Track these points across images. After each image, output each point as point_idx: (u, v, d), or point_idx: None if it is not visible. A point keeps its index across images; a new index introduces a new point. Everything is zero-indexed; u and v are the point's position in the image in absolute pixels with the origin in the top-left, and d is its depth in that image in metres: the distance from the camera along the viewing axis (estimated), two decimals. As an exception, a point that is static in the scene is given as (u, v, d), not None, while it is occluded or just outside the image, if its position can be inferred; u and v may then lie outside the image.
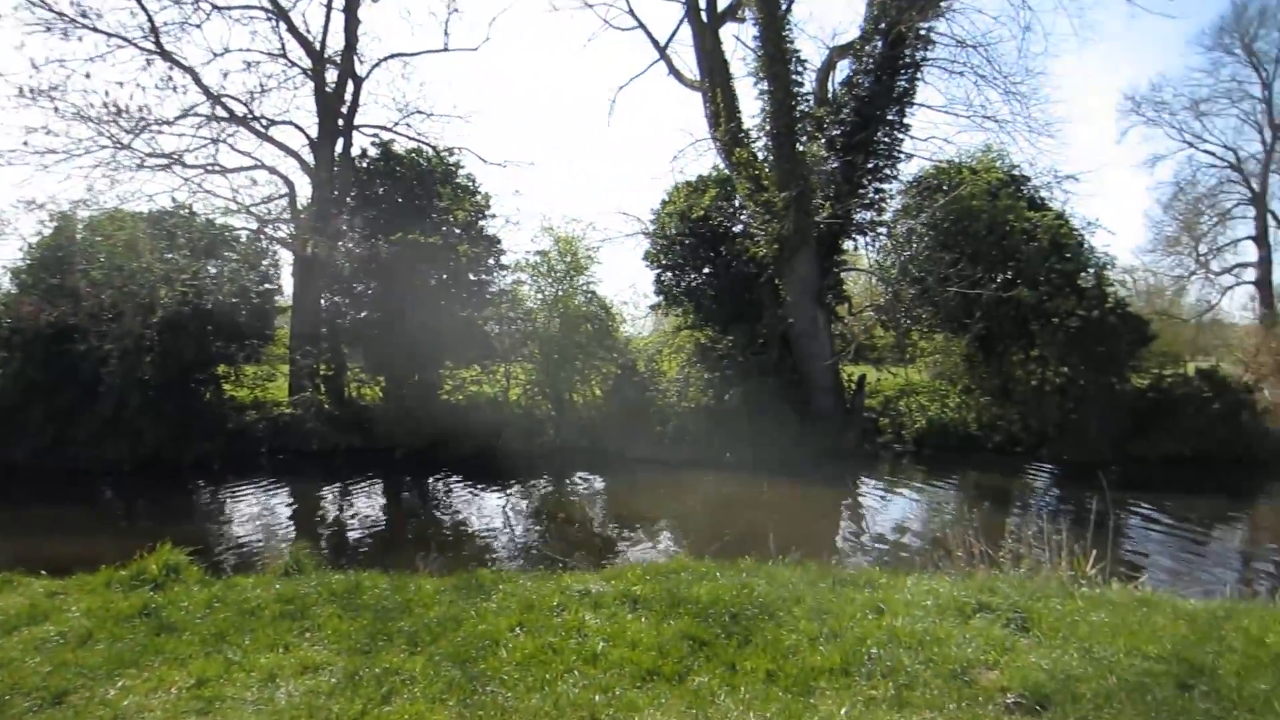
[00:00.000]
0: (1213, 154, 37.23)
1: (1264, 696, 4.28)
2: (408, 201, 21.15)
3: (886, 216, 22.08)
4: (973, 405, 20.89)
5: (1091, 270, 21.54)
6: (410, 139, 22.97)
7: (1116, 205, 49.37)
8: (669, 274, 23.48)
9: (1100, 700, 4.22)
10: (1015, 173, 22.30)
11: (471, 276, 20.79)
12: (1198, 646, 4.90)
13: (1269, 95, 35.83)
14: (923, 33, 20.52)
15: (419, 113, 23.29)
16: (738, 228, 22.76)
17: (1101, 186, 50.98)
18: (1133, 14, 42.88)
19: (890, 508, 14.84)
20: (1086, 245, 21.64)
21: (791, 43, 20.31)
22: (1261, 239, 36.09)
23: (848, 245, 22.75)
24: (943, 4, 20.40)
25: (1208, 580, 9.85)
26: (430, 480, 16.31)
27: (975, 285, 19.58)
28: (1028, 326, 20.44)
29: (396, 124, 23.17)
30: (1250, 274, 36.48)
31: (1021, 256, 20.55)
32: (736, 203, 22.45)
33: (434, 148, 22.73)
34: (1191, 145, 37.50)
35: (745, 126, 21.46)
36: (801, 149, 20.39)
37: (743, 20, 21.95)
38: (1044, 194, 22.30)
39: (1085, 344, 19.68)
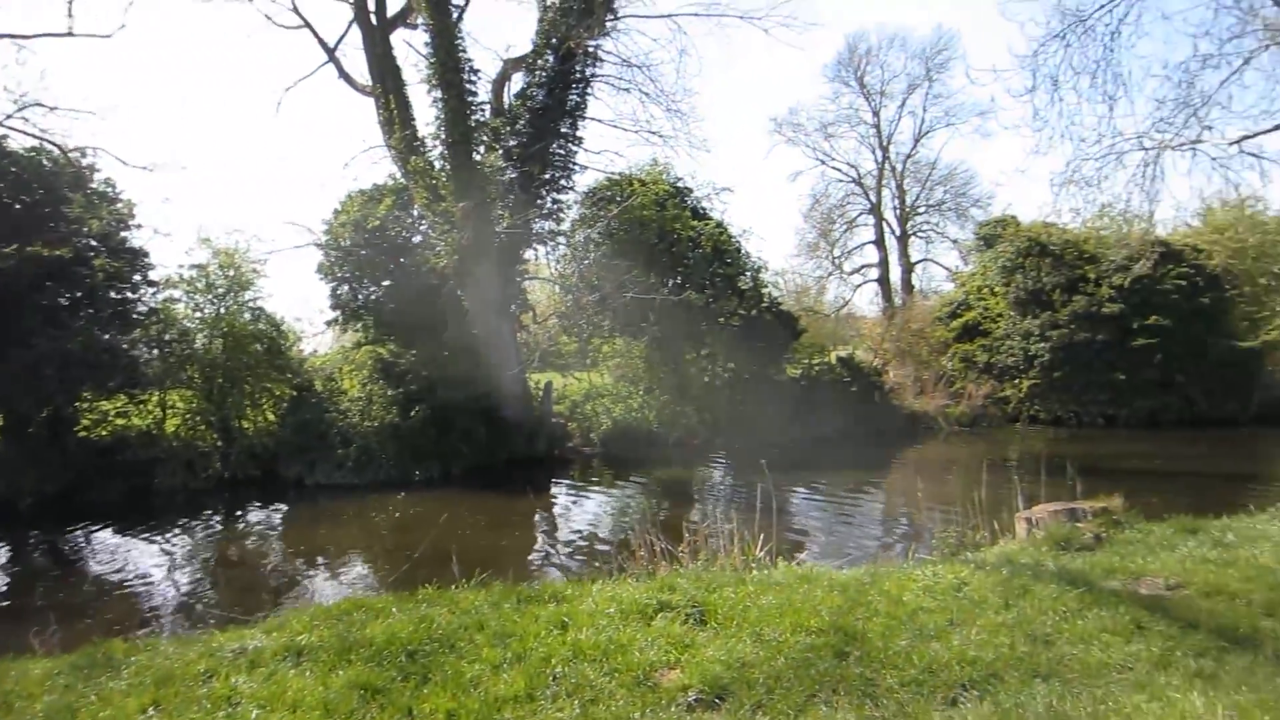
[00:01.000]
0: (840, 171, 42.55)
1: (905, 652, 4.71)
2: (27, 209, 17.99)
3: (565, 226, 22.52)
4: (654, 404, 21.92)
5: (749, 274, 23.59)
6: (29, 135, 19.61)
7: (768, 214, 54.67)
8: (345, 287, 22.14)
9: (771, 682, 4.41)
10: (680, 185, 23.77)
11: (114, 294, 18.16)
12: (850, 614, 5.32)
13: (878, 122, 41.81)
14: (591, 49, 21.16)
15: (39, 105, 19.94)
16: (417, 238, 22.02)
17: (755, 197, 56.25)
18: (771, 44, 47.70)
19: (581, 512, 15.07)
20: (744, 251, 23.67)
21: (464, 51, 20.01)
22: (880, 243, 41.98)
23: (529, 255, 22.90)
24: (608, 23, 21.16)
25: (856, 548, 11.02)
26: (67, 533, 13.96)
27: (649, 290, 20.59)
28: (698, 327, 21.88)
29: (10, 116, 19.66)
30: (874, 273, 42.24)
31: (689, 263, 21.96)
32: (415, 212, 21.74)
33: (60, 147, 19.59)
34: (823, 163, 42.56)
35: (421, 134, 20.81)
36: (479, 159, 20.19)
37: (414, 26, 21.29)
38: (705, 205, 24.01)
39: (748, 341, 21.48)
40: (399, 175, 21.83)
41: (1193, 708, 3.87)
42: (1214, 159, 11.93)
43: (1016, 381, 25.24)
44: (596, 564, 9.24)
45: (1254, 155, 11.91)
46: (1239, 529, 7.55)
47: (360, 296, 22.05)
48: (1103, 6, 11.00)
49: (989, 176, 48.16)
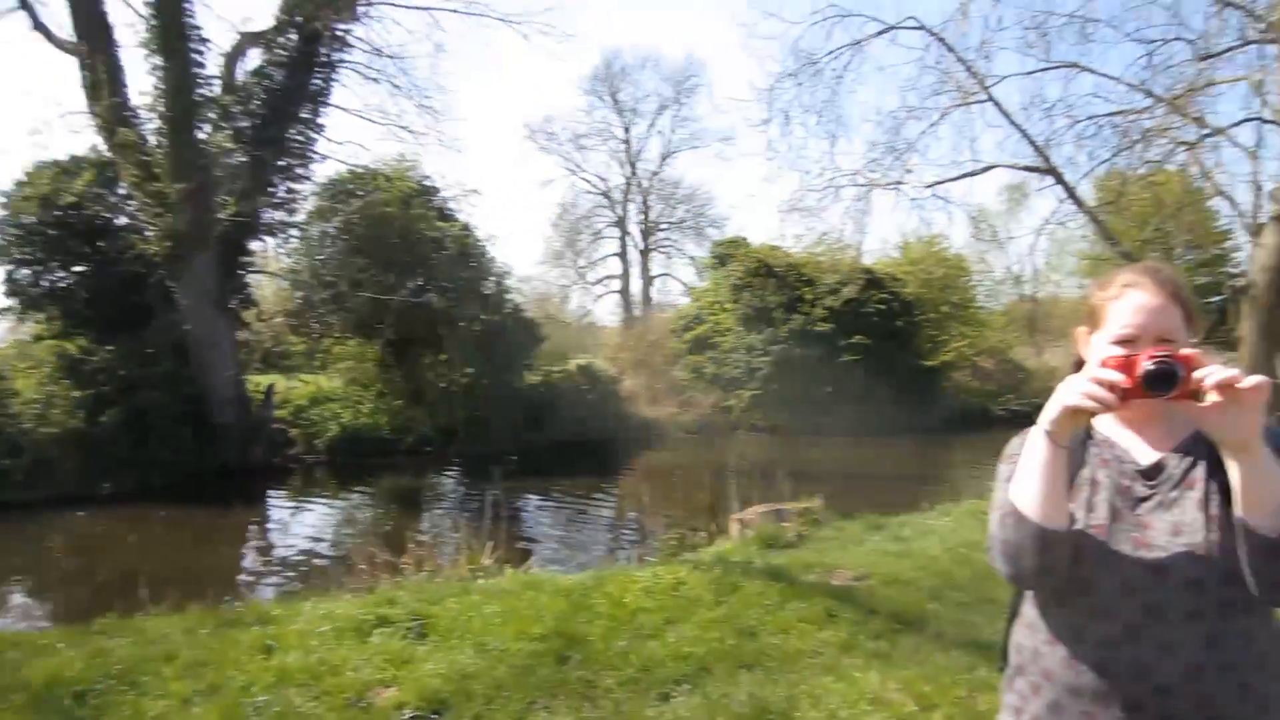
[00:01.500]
0: (589, 182, 43.54)
1: (624, 653, 4.82)
2: None
3: (299, 218, 21.13)
4: (386, 410, 21.13)
5: (494, 279, 23.43)
6: None
7: (517, 220, 54.73)
8: (25, 271, 19.27)
9: (491, 692, 4.34)
10: (427, 183, 23.10)
11: None
12: (574, 618, 5.38)
13: (628, 138, 43.25)
14: (339, 33, 20.00)
15: None
16: (122, 220, 19.63)
17: (505, 202, 55.99)
18: (531, 51, 47.99)
19: (300, 525, 14.11)
20: (490, 255, 23.49)
21: (193, 17, 18.09)
22: (623, 256, 43.54)
23: (256, 246, 21.20)
24: (359, 8, 20.11)
25: (585, 553, 11.24)
26: None
27: (387, 291, 19.81)
28: (437, 331, 21.38)
29: None
30: (616, 284, 43.67)
31: (432, 264, 21.42)
32: (121, 191, 19.35)
33: None
34: (574, 173, 43.35)
35: (134, 104, 18.51)
36: (203, 138, 18.38)
37: (133, -19, 18.93)
38: (453, 206, 23.52)
39: (488, 346, 21.30)
40: (103, 148, 19.37)
41: (870, 684, 4.28)
42: (912, 199, 13.47)
43: (739, 392, 27.02)
44: (313, 581, 8.70)
45: (942, 199, 13.61)
46: (914, 524, 8.54)
47: (44, 282, 19.29)
48: (831, 53, 12.15)
49: (726, 199, 51.53)
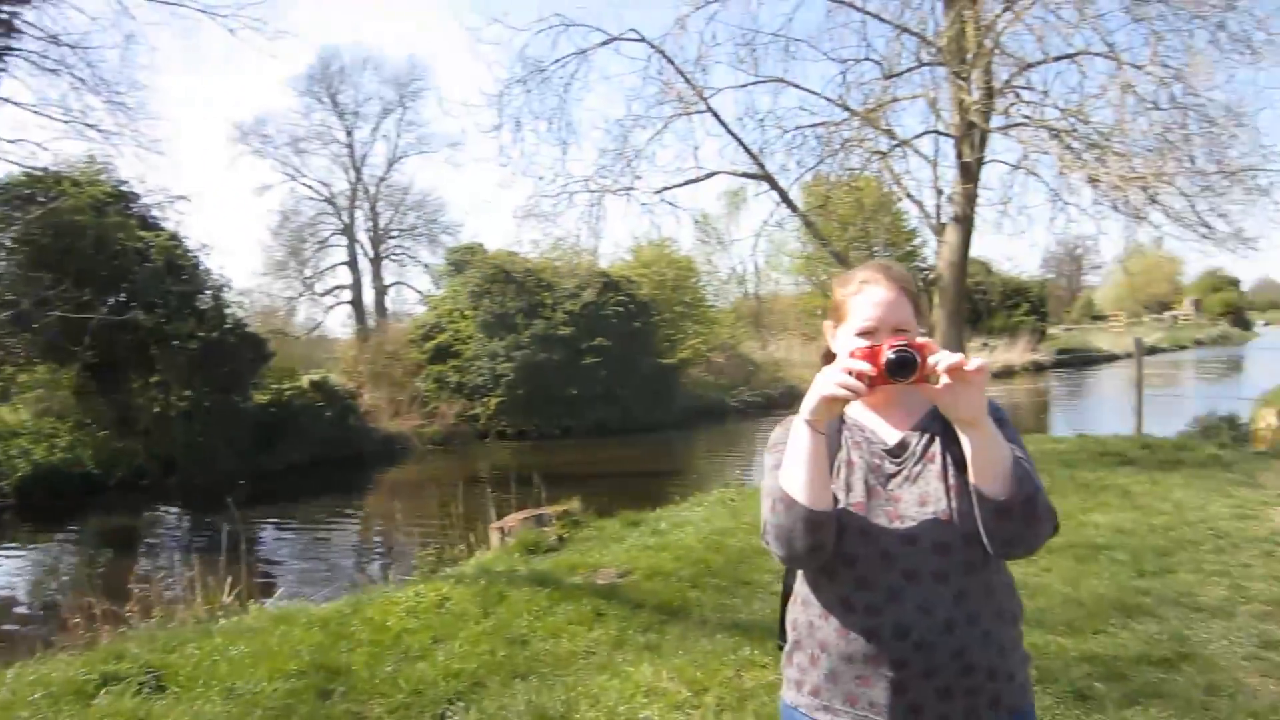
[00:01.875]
0: (312, 188, 41.08)
1: (391, 678, 4.62)
2: None
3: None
4: (89, 441, 18.73)
5: (209, 292, 21.46)
6: None
7: (233, 229, 50.56)
8: None
9: (245, 740, 3.97)
10: (125, 189, 20.65)
11: None
12: (333, 649, 5.08)
13: (351, 142, 41.32)
14: (4, 16, 17.30)
15: None
16: None
17: (218, 209, 51.48)
18: (239, 47, 44.43)
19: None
20: (203, 267, 21.46)
21: None
22: (353, 264, 41.55)
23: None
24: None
25: (337, 578, 10.63)
26: None
27: (83, 309, 17.51)
28: (148, 352, 19.29)
29: None
30: (347, 295, 41.61)
31: (135, 278, 19.25)
32: None
33: None
34: (294, 178, 40.70)
35: None
36: None
37: None
38: (157, 213, 21.19)
39: (208, 366, 19.51)
40: None
41: (644, 677, 4.39)
42: (643, 204, 13.94)
43: (485, 400, 26.75)
44: (17, 644, 7.53)
45: (670, 204, 14.21)
46: (669, 517, 8.80)
47: None
48: (557, 61, 12.27)
49: (460, 205, 50.44)
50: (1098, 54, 11.73)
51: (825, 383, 1.60)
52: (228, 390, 20.16)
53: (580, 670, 4.65)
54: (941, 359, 1.55)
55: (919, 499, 1.70)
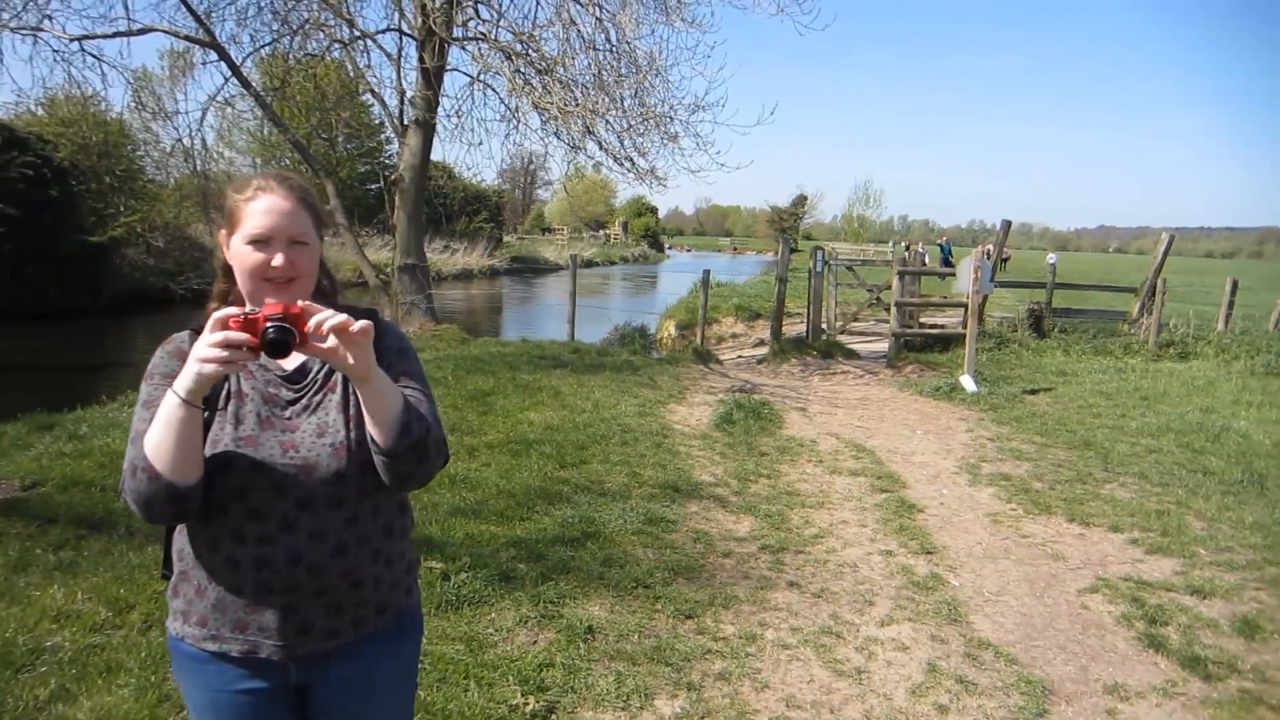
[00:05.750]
0: None
1: None
2: None
3: None
4: None
5: None
6: None
7: None
8: None
9: None
10: None
11: None
12: None
13: None
14: None
15: None
16: None
17: None
18: None
19: None
20: None
21: None
22: None
23: None
24: None
25: None
26: None
27: None
28: None
29: None
30: None
31: None
32: None
33: None
34: None
35: None
36: None
37: None
38: None
39: None
40: None
41: (54, 600, 4.02)
42: (56, 51, 11.91)
43: None
44: None
45: (95, 56, 12.29)
46: (92, 419, 7.76)
47: None
48: None
49: None
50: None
51: (203, 360, 1.47)
52: None
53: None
54: (326, 320, 1.50)
55: (317, 429, 1.69)
